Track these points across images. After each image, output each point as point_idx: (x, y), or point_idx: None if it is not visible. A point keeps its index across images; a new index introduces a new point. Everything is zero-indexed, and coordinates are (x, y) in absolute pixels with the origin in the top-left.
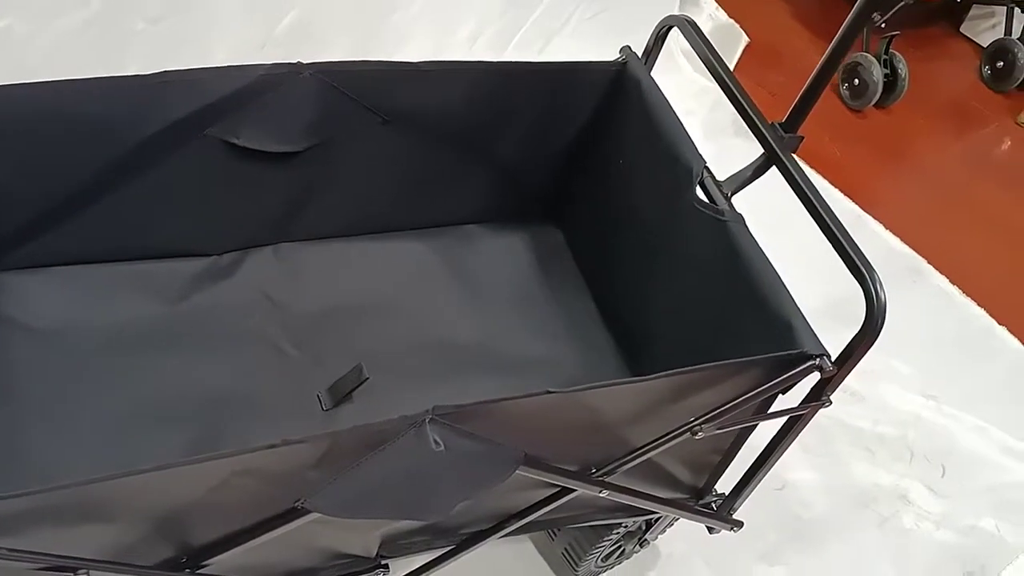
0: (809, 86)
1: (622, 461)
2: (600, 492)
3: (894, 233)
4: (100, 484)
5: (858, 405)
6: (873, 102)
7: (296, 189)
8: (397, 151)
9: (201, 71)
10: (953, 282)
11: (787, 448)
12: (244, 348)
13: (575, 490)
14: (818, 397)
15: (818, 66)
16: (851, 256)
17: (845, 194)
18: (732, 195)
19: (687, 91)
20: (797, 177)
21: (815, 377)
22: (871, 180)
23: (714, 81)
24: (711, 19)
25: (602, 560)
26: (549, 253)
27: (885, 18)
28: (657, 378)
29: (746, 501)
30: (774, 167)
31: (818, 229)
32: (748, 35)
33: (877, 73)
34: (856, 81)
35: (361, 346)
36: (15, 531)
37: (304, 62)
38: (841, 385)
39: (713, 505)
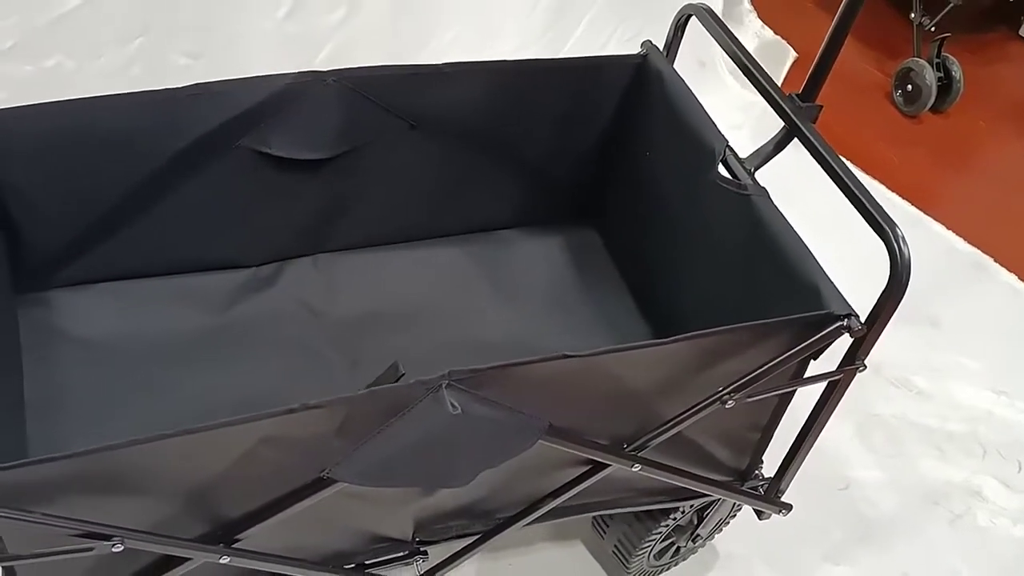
0: (823, 53)
1: (653, 434)
2: (633, 467)
3: (956, 233)
4: (127, 449)
5: (926, 403)
6: (928, 106)
7: (330, 198)
8: (426, 156)
9: (228, 82)
10: (1022, 279)
11: (827, 421)
12: (286, 355)
13: (608, 465)
14: (852, 361)
15: (830, 30)
16: (873, 214)
17: (903, 198)
18: (755, 171)
19: (734, 104)
20: (817, 144)
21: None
22: (930, 183)
23: (759, 94)
24: (757, 36)
25: (655, 558)
26: (585, 254)
27: (934, 21)
28: (678, 340)
29: (808, 500)
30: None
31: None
32: (795, 50)
33: (930, 77)
34: (909, 87)
35: (399, 349)
36: (49, 499)
37: (326, 70)
38: (907, 383)
39: (760, 489)
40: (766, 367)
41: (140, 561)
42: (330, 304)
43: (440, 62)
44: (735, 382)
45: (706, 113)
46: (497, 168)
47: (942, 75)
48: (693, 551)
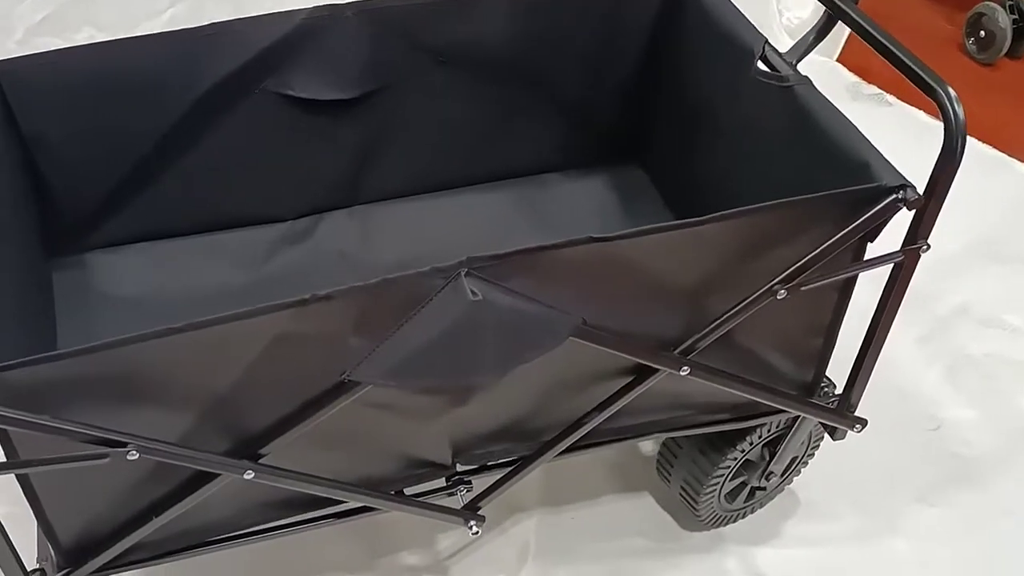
0: None
1: (702, 334)
2: (682, 370)
3: None
4: (137, 345)
5: (1021, 339)
6: (1003, 52)
7: (362, 143)
8: (458, 95)
9: (244, 20)
10: None
11: (893, 317)
12: None
13: (654, 372)
14: (914, 240)
15: None
16: (924, 78)
17: (986, 143)
18: (797, 63)
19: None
20: (863, 23)
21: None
22: (1013, 127)
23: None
24: None
25: (726, 500)
26: (633, 193)
27: None
28: (715, 219)
29: (897, 443)
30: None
31: None
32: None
33: (1004, 20)
34: (982, 33)
35: None
36: (62, 404)
37: (344, 2)
38: (999, 322)
39: (830, 403)
40: (818, 251)
41: (165, 481)
42: (368, 255)
43: None
44: (785, 270)
45: (742, 15)
46: (533, 107)
47: (1017, 17)
48: (770, 496)
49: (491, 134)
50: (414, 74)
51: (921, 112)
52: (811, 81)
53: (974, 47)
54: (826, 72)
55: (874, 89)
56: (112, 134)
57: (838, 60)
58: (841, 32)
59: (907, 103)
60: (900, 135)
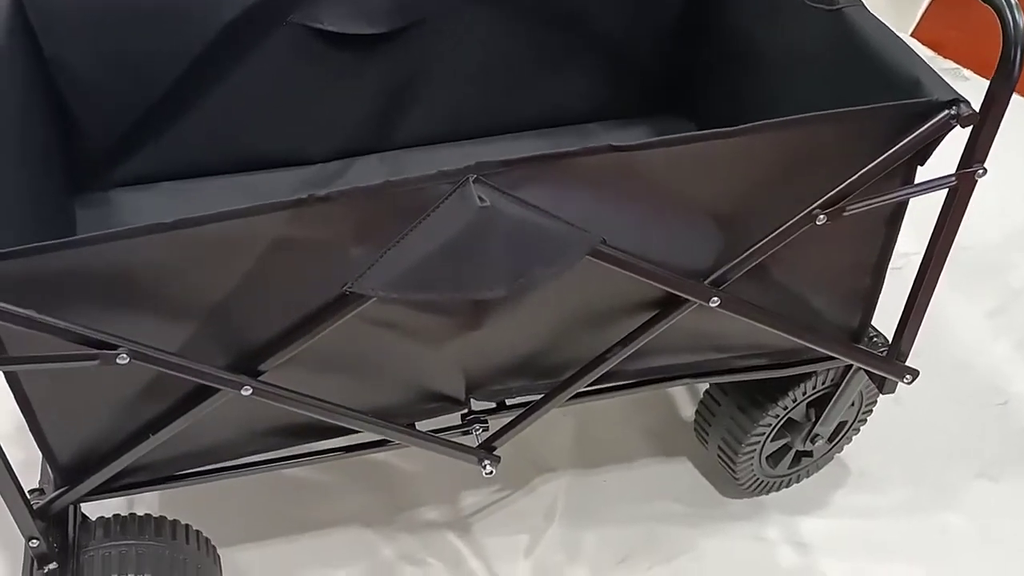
0: None
1: (733, 263)
2: (711, 302)
3: None
4: (130, 240)
5: None
6: None
7: (393, 82)
8: (490, 34)
9: None
10: None
11: (946, 254)
12: None
13: (682, 304)
14: (968, 163)
15: None
16: None
17: None
18: None
19: None
20: None
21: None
22: None
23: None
24: None
25: (768, 464)
26: None
27: None
28: (746, 131)
29: (960, 416)
30: None
31: None
32: None
33: None
34: None
35: None
36: (50, 304)
37: None
38: None
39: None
40: (862, 173)
41: (162, 397)
42: None
43: None
44: (826, 194)
45: None
46: (571, 49)
47: None
48: (817, 464)
49: (527, 78)
50: (447, 10)
51: None
52: (863, 3)
53: None
54: None
55: (950, 64)
56: (136, 62)
57: (912, 35)
58: (917, 5)
59: (983, 77)
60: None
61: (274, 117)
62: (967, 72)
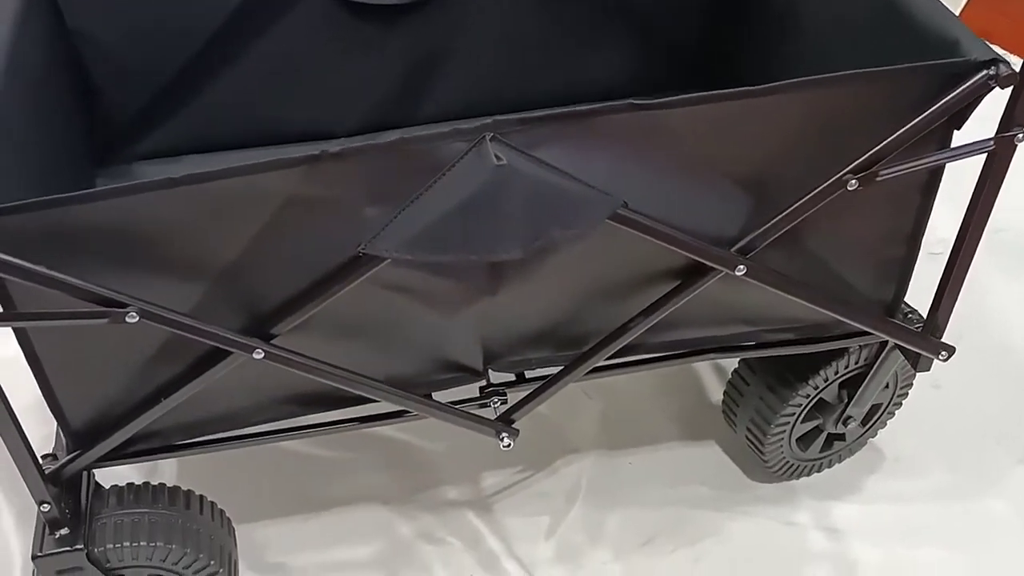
0: None
1: (761, 230)
2: (738, 270)
3: None
4: (136, 197)
5: None
6: None
7: (417, 54)
8: (521, 5)
9: None
10: None
11: (984, 223)
12: None
13: (707, 272)
14: (1008, 126)
15: None
16: None
17: None
18: None
19: None
20: None
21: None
22: None
23: None
24: None
25: (799, 447)
26: None
27: None
28: (774, 90)
29: (1002, 399)
30: None
31: None
32: None
33: None
34: None
35: None
36: (61, 261)
37: None
38: None
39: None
40: (896, 136)
41: (174, 360)
42: None
43: None
44: (858, 158)
45: None
46: (602, 22)
47: None
48: (850, 449)
49: (554, 52)
50: None
51: None
52: None
53: None
54: None
55: (997, 48)
56: (158, 33)
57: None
58: None
59: None
60: None
61: (297, 90)
62: (1014, 59)
